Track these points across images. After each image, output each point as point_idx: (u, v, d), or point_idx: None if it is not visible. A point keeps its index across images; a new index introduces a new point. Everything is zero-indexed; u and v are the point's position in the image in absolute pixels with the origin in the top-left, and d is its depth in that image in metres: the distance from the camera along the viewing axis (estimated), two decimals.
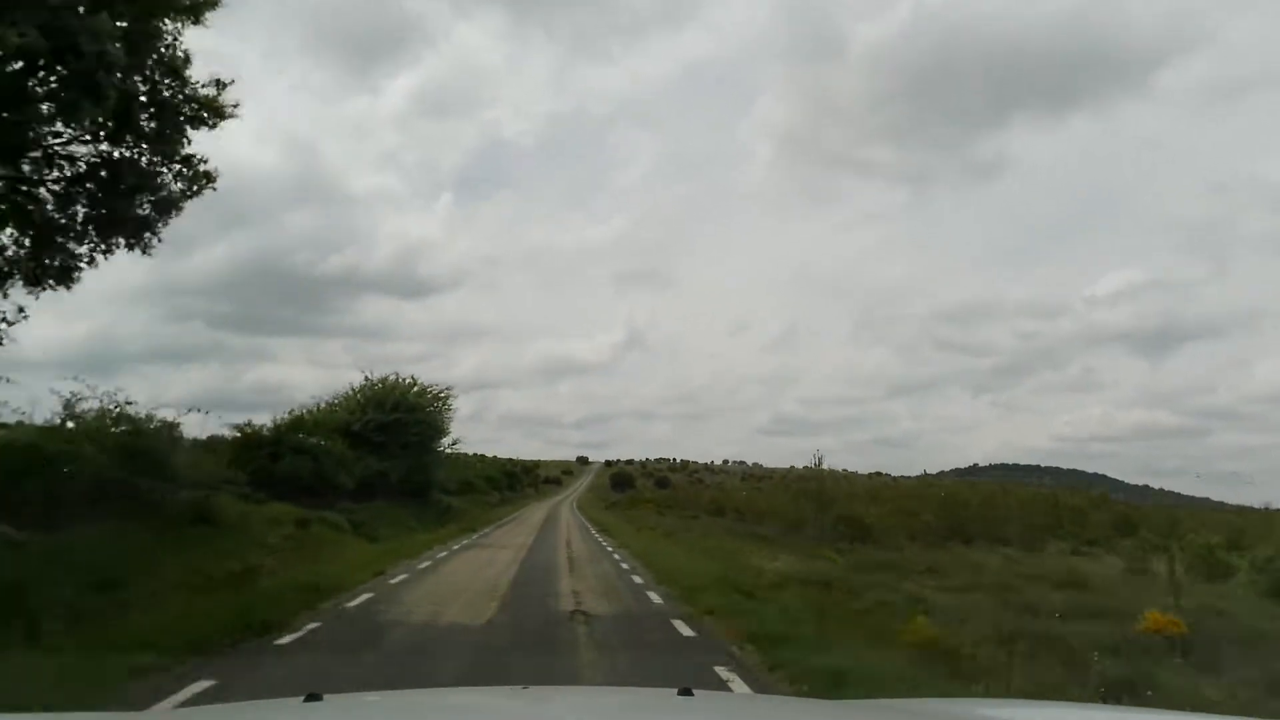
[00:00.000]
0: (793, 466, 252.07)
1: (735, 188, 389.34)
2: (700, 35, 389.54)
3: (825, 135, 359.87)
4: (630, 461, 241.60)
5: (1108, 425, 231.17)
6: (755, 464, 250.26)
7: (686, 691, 2.09)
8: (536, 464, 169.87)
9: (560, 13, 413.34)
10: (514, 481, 76.43)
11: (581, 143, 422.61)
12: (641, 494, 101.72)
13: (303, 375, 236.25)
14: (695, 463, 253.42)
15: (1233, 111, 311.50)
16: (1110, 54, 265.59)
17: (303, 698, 1.96)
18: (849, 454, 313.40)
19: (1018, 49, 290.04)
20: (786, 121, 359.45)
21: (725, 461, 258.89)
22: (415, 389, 29.76)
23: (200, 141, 10.23)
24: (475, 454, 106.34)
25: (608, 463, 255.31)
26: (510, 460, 74.53)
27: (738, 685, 6.31)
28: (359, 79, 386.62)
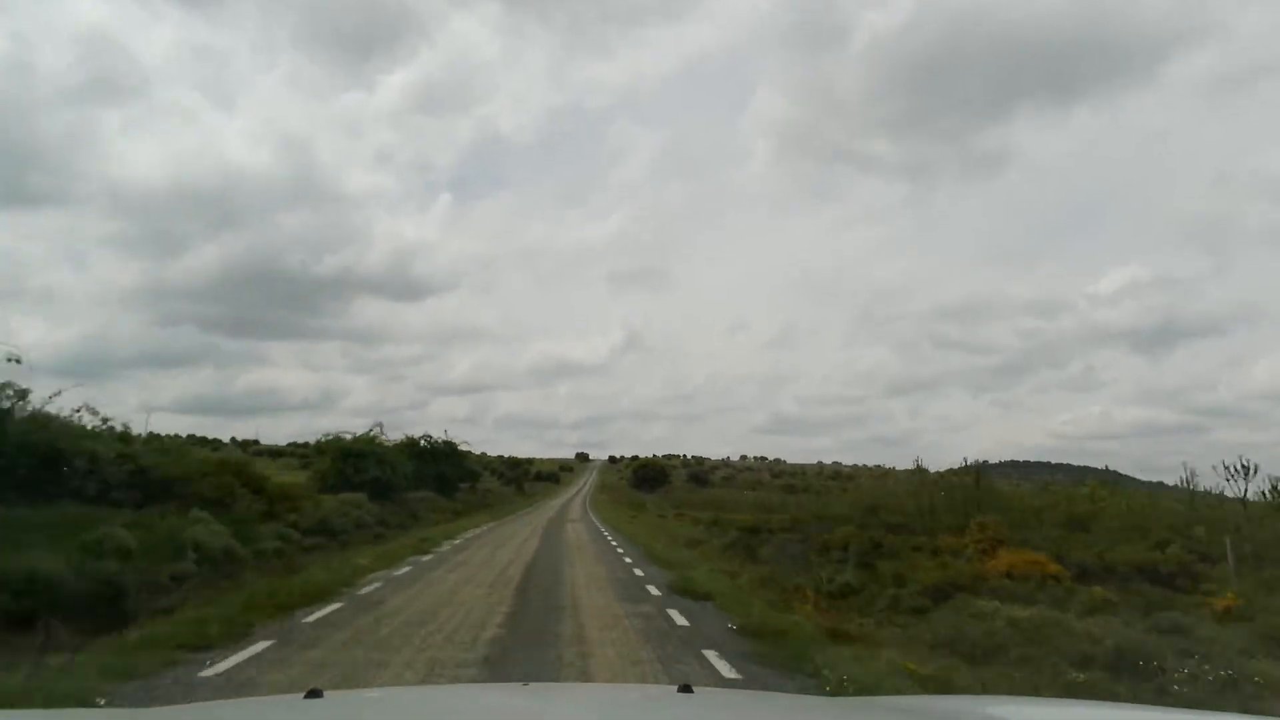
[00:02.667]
0: (820, 463, 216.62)
1: (734, 183, 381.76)
2: (700, 24, 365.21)
3: (825, 128, 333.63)
4: (636, 458, 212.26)
5: (1107, 423, 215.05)
6: (776, 459, 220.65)
7: (686, 688, 2.04)
8: (530, 461, 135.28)
9: (556, 2, 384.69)
10: (449, 482, 34.11)
11: (579, 138, 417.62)
12: (688, 495, 59.80)
13: (297, 379, 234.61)
14: (709, 459, 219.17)
15: (1241, 103, 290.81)
16: (1117, 43, 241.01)
17: (303, 694, 1.92)
18: (845, 452, 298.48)
19: (1023, 38, 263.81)
20: (786, 114, 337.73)
21: (743, 457, 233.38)
22: None
23: None
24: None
25: (611, 458, 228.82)
26: (446, 443, 33.37)
27: None
28: (352, 73, 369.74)
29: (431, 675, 6.11)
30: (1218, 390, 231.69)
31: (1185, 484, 20.01)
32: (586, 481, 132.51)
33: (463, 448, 38.32)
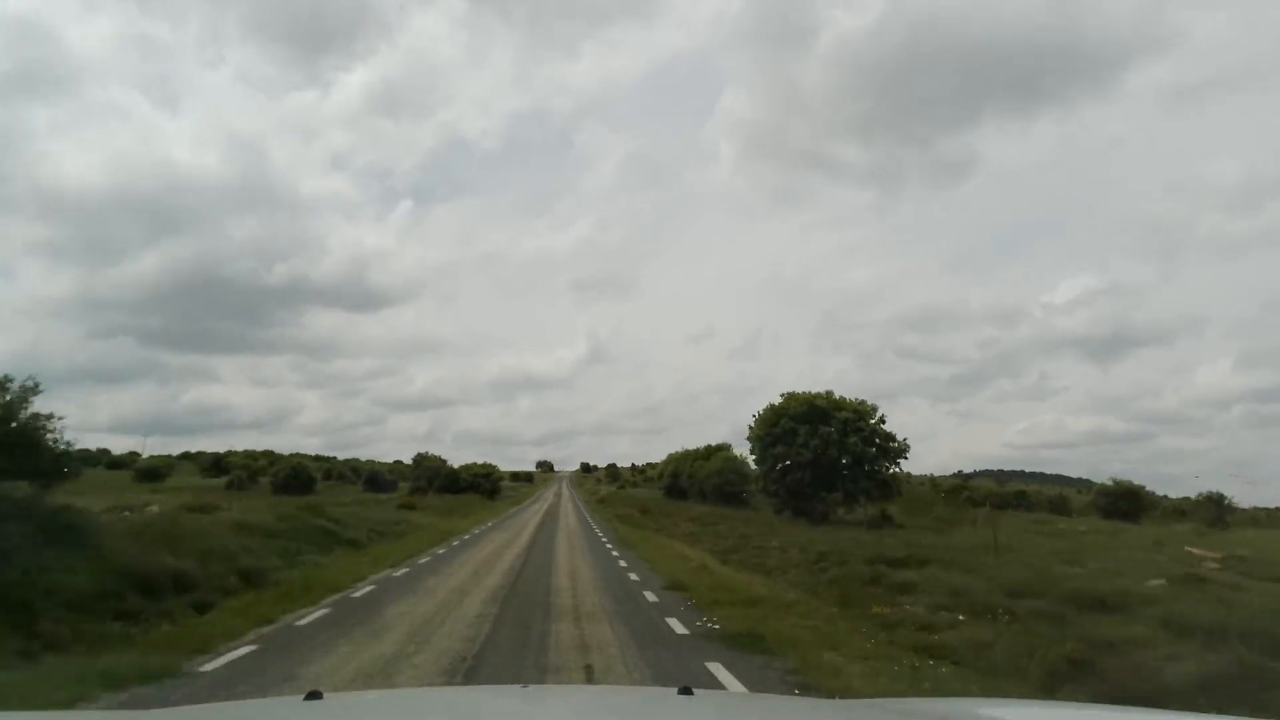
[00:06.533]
0: None
1: (700, 188, 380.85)
2: (667, 26, 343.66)
3: (792, 131, 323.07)
4: (614, 467, 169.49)
5: (1060, 431, 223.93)
6: None
7: (686, 690, 2.00)
8: (486, 469, 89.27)
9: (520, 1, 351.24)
10: None
11: (543, 142, 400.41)
12: None
13: (245, 396, 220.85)
14: None
15: (1195, 112, 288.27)
16: (1081, 49, 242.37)
17: (303, 696, 1.90)
18: None
19: (989, 43, 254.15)
20: (753, 117, 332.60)
21: None
22: None
23: None
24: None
25: (585, 466, 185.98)
26: None
27: None
28: (307, 71, 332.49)
29: None
30: (1163, 397, 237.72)
31: None
32: (559, 494, 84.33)
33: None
